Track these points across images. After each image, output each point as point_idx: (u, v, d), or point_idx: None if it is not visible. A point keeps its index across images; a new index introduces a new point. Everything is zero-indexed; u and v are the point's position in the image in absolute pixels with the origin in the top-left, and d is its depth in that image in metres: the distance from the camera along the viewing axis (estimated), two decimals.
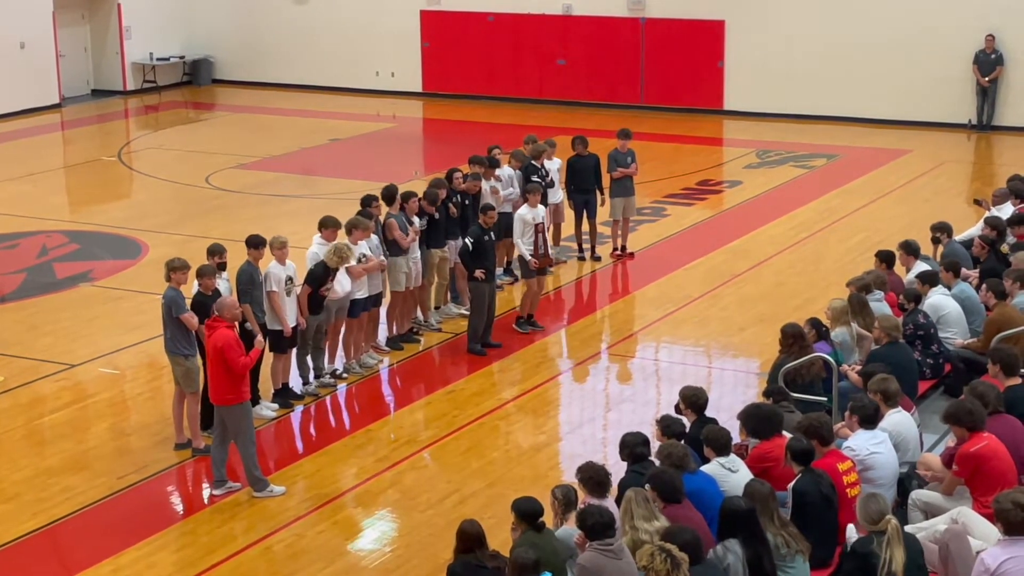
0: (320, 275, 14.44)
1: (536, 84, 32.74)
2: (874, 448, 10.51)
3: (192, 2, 35.72)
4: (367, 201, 15.95)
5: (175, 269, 13.29)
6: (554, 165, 19.11)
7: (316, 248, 14.84)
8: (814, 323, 13.10)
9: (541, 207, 17.00)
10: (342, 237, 15.16)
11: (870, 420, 10.67)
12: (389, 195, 16.18)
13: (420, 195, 16.36)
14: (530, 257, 16.51)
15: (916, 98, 29.09)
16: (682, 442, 10.42)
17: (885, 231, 20.25)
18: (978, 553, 9.03)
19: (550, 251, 17.18)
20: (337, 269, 14.54)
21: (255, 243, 14.20)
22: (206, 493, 12.71)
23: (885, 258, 15.04)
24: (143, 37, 34.77)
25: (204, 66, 36.06)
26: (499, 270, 18.03)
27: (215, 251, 14.07)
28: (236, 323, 12.73)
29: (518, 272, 17.96)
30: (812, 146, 27.53)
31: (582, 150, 19.27)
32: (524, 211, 16.75)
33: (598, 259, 19.71)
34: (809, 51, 29.87)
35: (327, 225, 15.03)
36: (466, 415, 14.39)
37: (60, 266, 19.94)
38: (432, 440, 13.82)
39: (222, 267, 14.01)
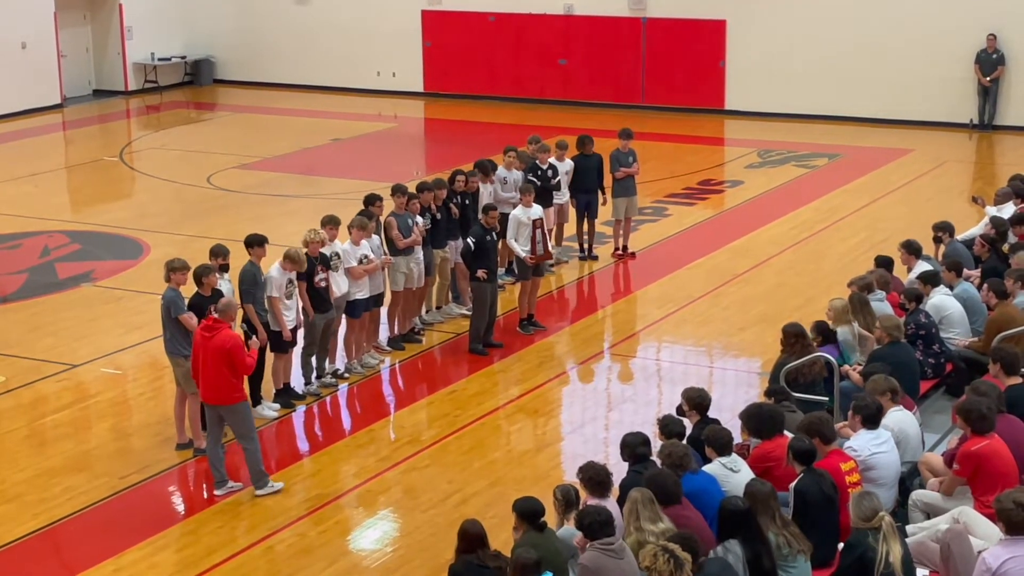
0: (306, 267, 14.43)
1: (537, 84, 32.75)
2: (876, 448, 10.51)
3: (193, 2, 35.72)
4: (370, 200, 15.98)
5: (175, 270, 13.28)
6: (564, 166, 19.12)
7: (323, 248, 14.81)
8: (819, 327, 13.08)
9: (537, 207, 16.98)
10: (343, 234, 15.24)
11: (872, 420, 10.67)
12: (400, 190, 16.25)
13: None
14: (524, 255, 16.50)
15: (918, 98, 29.08)
16: (683, 442, 10.43)
17: (887, 231, 20.24)
18: (979, 553, 9.03)
19: (550, 248, 17.15)
20: (318, 259, 14.48)
21: (256, 242, 14.19)
22: (208, 493, 12.71)
23: (884, 263, 15.02)
24: (144, 37, 34.78)
25: (205, 66, 36.08)
26: (501, 270, 18.04)
27: (218, 252, 14.06)
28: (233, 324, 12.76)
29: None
30: (813, 146, 27.52)
31: (587, 150, 19.29)
32: (518, 212, 16.73)
33: (595, 258, 19.71)
34: (810, 51, 29.87)
35: (326, 223, 15.08)
36: (468, 415, 14.40)
37: (62, 266, 19.94)
38: (434, 440, 13.82)
39: (225, 269, 14.00)
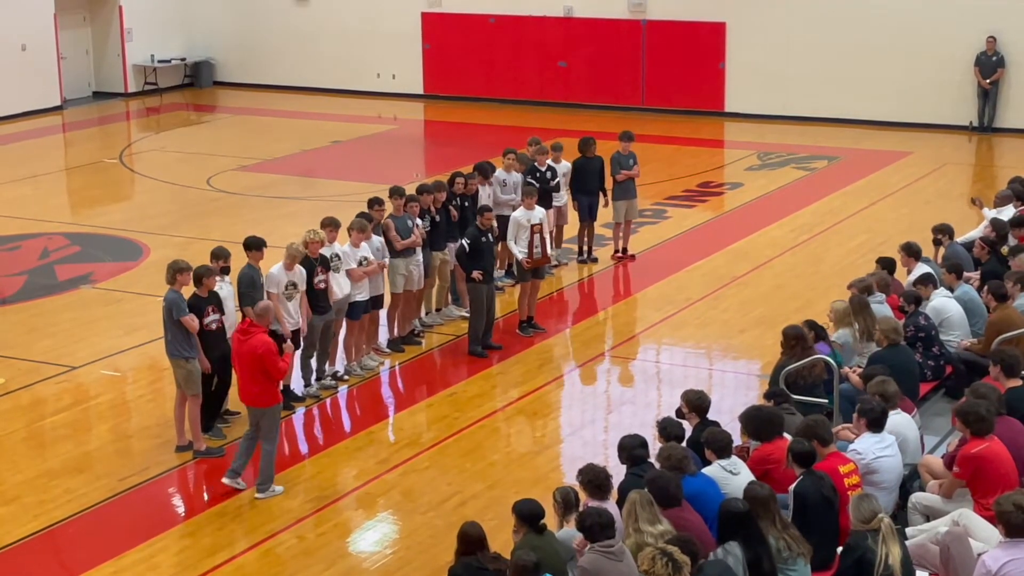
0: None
1: (537, 86, 32.74)
2: (880, 452, 10.49)
3: (193, 4, 35.73)
4: (370, 204, 15.99)
5: (180, 271, 13.28)
6: (562, 168, 19.13)
7: (323, 249, 14.82)
8: (810, 325, 13.09)
9: (539, 209, 16.99)
10: (343, 236, 15.24)
11: (877, 423, 10.65)
12: (396, 192, 16.21)
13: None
14: (521, 257, 16.51)
15: (917, 100, 29.09)
16: (682, 444, 10.43)
17: (886, 233, 20.24)
18: (979, 555, 9.03)
19: (548, 252, 17.13)
20: (318, 260, 14.50)
21: (254, 245, 14.19)
22: (208, 495, 12.72)
23: (886, 265, 15.03)
24: (144, 39, 34.78)
25: (205, 68, 36.08)
26: (500, 272, 18.05)
27: (219, 255, 14.04)
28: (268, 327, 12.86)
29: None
30: (813, 148, 27.53)
31: (589, 152, 19.29)
32: (519, 214, 16.74)
33: (595, 260, 19.72)
34: (810, 53, 29.88)
35: (326, 225, 15.09)
36: (467, 417, 14.40)
37: (61, 268, 19.94)
38: (433, 442, 13.82)
39: (225, 271, 14.00)
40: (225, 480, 12.61)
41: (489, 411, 14.61)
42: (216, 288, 13.53)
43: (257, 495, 12.49)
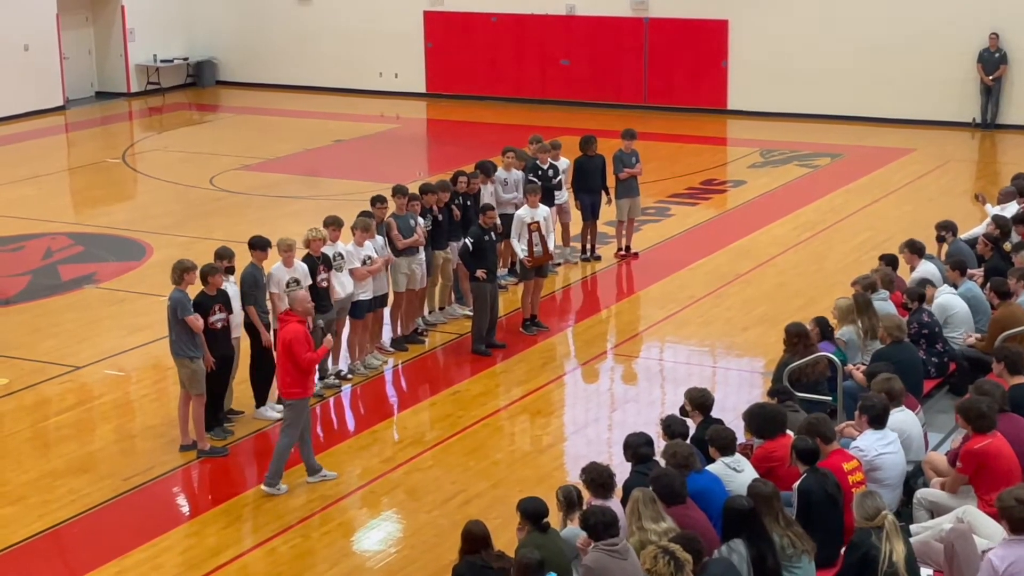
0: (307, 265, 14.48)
1: (540, 84, 32.74)
2: (883, 449, 10.50)
3: (195, 4, 35.74)
4: (374, 202, 15.99)
5: (187, 270, 13.30)
6: (562, 165, 19.14)
7: (325, 248, 14.83)
8: (819, 322, 13.10)
9: (543, 207, 16.99)
10: (346, 235, 15.25)
11: (879, 420, 10.65)
12: (396, 191, 16.23)
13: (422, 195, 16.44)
14: (522, 256, 16.52)
15: (920, 97, 29.06)
16: (687, 442, 10.43)
17: (889, 230, 20.23)
18: (984, 552, 9.02)
19: (550, 249, 17.08)
20: (320, 258, 14.52)
21: (258, 245, 14.21)
22: (211, 494, 12.76)
23: (889, 262, 15.02)
24: (147, 39, 34.79)
25: (208, 68, 36.10)
26: (504, 270, 18.05)
27: (223, 255, 14.05)
28: (309, 318, 12.89)
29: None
30: (816, 145, 27.51)
31: (591, 150, 19.30)
32: (523, 212, 16.75)
33: (598, 259, 19.72)
34: (812, 50, 29.85)
35: (329, 224, 15.09)
36: (471, 416, 14.40)
37: (65, 268, 19.95)
38: (437, 441, 13.82)
39: (230, 271, 14.01)
40: (310, 480, 12.70)
41: (492, 409, 14.62)
42: (221, 286, 13.55)
43: (264, 488, 12.52)
